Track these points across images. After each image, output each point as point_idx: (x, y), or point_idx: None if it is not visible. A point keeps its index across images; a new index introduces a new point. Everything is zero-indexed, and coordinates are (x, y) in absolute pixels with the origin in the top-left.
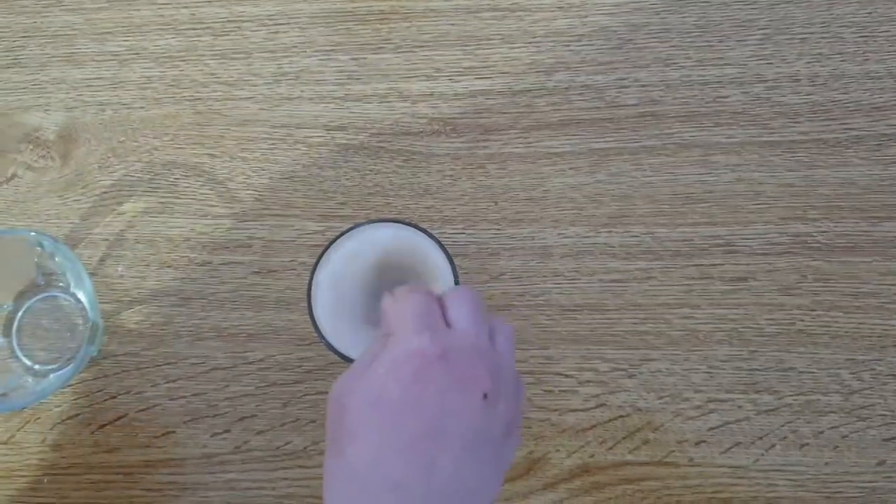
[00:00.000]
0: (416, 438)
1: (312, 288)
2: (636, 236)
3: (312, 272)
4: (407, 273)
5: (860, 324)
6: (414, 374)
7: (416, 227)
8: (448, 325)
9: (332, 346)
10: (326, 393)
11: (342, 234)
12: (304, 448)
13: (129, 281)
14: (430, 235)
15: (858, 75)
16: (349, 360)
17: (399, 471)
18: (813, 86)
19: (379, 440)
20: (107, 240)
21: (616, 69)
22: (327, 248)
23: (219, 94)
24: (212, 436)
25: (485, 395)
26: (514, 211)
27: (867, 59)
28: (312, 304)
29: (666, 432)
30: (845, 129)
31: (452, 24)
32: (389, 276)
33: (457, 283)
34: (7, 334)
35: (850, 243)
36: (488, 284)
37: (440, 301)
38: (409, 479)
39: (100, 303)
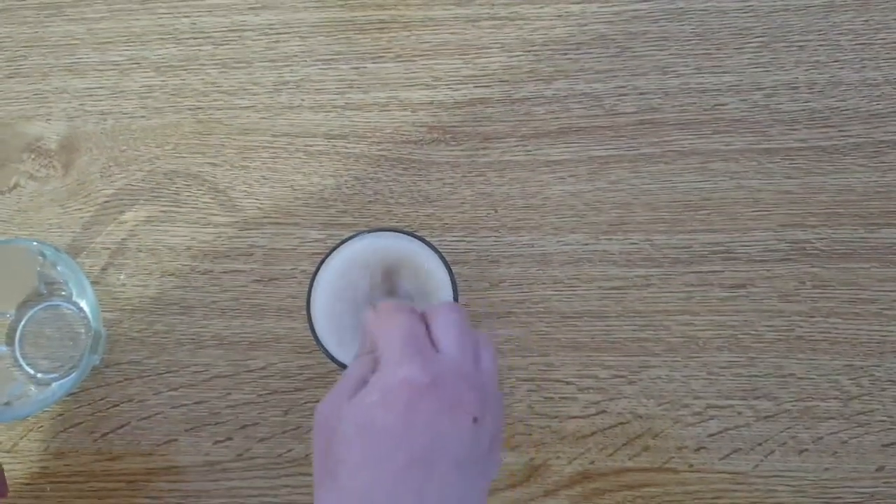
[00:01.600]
0: (407, 465)
1: (312, 296)
2: (635, 243)
3: (312, 281)
4: (406, 282)
5: (858, 330)
6: (405, 404)
7: (414, 236)
8: (433, 345)
9: (331, 355)
10: None
11: (342, 242)
12: (306, 455)
13: (130, 290)
14: (429, 244)
15: (856, 83)
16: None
17: (390, 497)
18: (811, 93)
19: (370, 468)
20: (109, 249)
21: (615, 77)
22: (327, 256)
23: (220, 103)
24: (214, 443)
25: (474, 419)
26: (514, 218)
27: (864, 67)
28: (312, 312)
29: (666, 439)
30: (843, 136)
31: (452, 33)
32: (388, 286)
33: (455, 290)
34: (10, 343)
35: (848, 250)
36: (488, 292)
37: (424, 318)
38: None
39: (102, 311)
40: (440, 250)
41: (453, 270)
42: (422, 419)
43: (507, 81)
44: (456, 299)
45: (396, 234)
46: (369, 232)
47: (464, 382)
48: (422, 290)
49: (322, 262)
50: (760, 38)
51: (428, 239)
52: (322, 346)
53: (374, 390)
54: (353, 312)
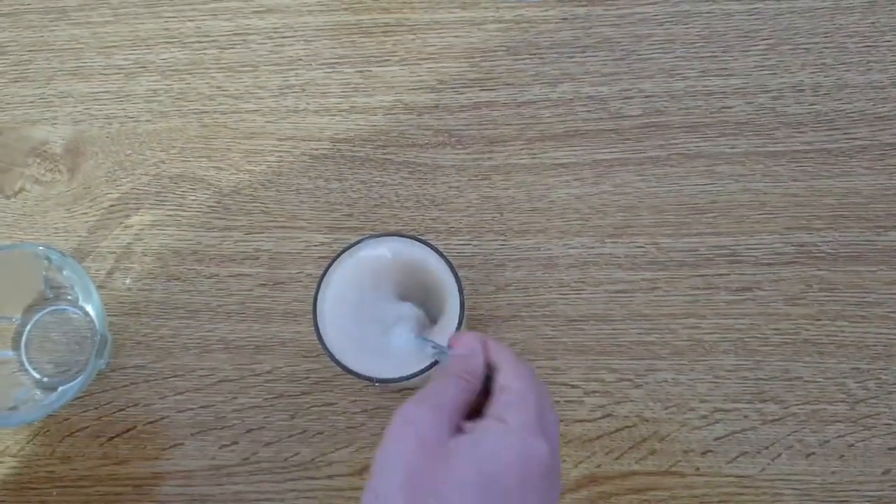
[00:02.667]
0: None
1: (318, 300)
2: (641, 247)
3: (318, 285)
4: (411, 286)
5: (865, 333)
6: (540, 479)
7: (420, 240)
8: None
9: (337, 359)
10: (333, 404)
11: (348, 247)
12: (312, 459)
13: (136, 294)
14: (435, 248)
15: (862, 85)
16: (353, 373)
17: None
18: (816, 96)
19: None
20: (114, 253)
21: (620, 80)
22: (333, 261)
23: (225, 107)
24: (220, 447)
25: None
26: (520, 222)
27: (870, 69)
28: (318, 316)
29: (672, 442)
30: (849, 138)
31: (457, 37)
32: (394, 290)
33: (461, 294)
34: (16, 348)
35: (854, 253)
36: (494, 295)
37: (488, 358)
38: None
39: (108, 315)
40: (446, 254)
41: (459, 274)
42: (539, 497)
43: (512, 84)
44: (462, 303)
45: (402, 238)
46: (375, 236)
47: (555, 475)
48: (427, 294)
49: (328, 266)
50: (766, 41)
51: (433, 243)
52: (328, 350)
53: (510, 448)
54: (358, 317)
